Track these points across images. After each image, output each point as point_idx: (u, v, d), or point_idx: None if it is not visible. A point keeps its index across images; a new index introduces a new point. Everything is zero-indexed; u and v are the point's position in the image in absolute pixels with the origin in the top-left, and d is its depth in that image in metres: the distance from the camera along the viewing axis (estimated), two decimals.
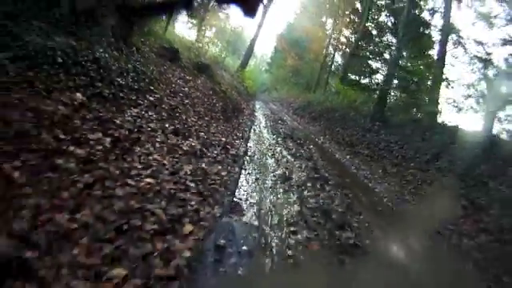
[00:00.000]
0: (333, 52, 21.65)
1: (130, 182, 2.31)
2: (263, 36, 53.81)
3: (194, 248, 1.84)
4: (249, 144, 5.66)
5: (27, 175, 1.90)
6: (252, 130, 7.41)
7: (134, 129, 3.25)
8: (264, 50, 40.35)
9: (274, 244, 2.32)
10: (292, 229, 2.59)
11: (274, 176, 4.11)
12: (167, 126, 3.91)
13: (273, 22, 38.46)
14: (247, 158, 4.64)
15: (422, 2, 16.04)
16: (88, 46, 3.93)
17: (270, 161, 4.92)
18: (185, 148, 3.55)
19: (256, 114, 11.35)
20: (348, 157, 6.85)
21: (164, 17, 10.02)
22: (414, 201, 4.69)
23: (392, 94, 14.54)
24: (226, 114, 6.83)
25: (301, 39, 23.53)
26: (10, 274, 1.32)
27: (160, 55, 7.36)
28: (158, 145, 3.24)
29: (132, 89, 4.26)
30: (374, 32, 18.43)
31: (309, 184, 4.05)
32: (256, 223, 2.55)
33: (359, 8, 19.17)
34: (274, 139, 6.96)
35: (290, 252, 2.23)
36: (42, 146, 2.19)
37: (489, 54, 11.44)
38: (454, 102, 11.77)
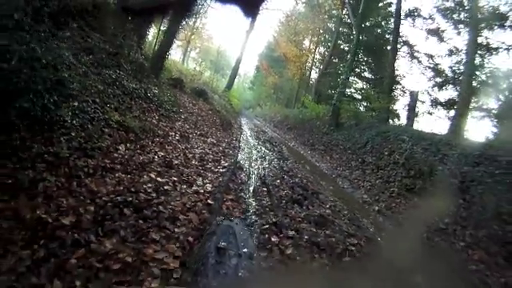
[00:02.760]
0: (309, 70, 26.44)
1: (195, 150, 6.17)
2: (246, 55, 58.79)
3: (226, 164, 5.72)
4: (240, 144, 9.59)
5: (162, 143, 5.73)
6: (241, 138, 11.36)
7: (184, 131, 7.13)
8: (247, 67, 45.53)
9: (255, 172, 6.22)
10: (263, 169, 6.52)
11: (256, 156, 8.05)
12: (196, 131, 7.82)
13: (254, 42, 44.18)
14: (241, 149, 8.56)
15: (383, 23, 21.22)
16: (148, 86, 7.83)
17: (254, 151, 8.88)
18: (209, 142, 7.45)
19: (243, 128, 15.37)
20: (308, 152, 10.96)
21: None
22: (340, 169, 8.74)
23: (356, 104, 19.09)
24: (223, 126, 10.79)
25: (280, 58, 28.23)
26: None
27: (171, 85, 11.32)
28: (197, 139, 7.12)
29: (172, 111, 8.16)
30: (347, 49, 23.30)
31: (275, 160, 8.01)
32: (247, 167, 6.46)
33: (332, 27, 23.93)
34: (256, 142, 10.94)
35: (262, 173, 6.14)
36: (160, 134, 6.03)
37: (437, 64, 16.19)
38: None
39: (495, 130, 12.42)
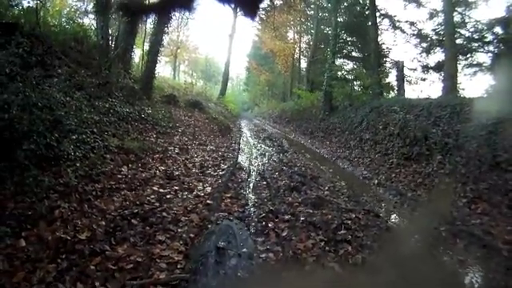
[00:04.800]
0: (298, 60, 26.54)
1: (195, 159, 6.56)
2: (234, 58, 59.29)
3: (225, 166, 6.08)
4: (240, 146, 9.96)
5: (162, 158, 6.13)
6: (241, 140, 11.73)
7: (183, 144, 7.52)
8: (238, 70, 45.93)
9: (255, 169, 6.56)
10: (263, 165, 6.85)
11: (256, 154, 8.39)
12: (195, 142, 8.22)
13: (240, 44, 44.43)
14: (241, 150, 8.92)
15: (361, 0, 21.25)
16: (141, 108, 8.25)
17: (254, 150, 9.24)
18: (208, 149, 7.84)
19: (242, 130, 15.75)
20: (308, 140, 11.26)
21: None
22: (340, 151, 9.01)
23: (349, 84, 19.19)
24: (221, 132, 11.19)
25: (268, 54, 28.36)
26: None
27: (165, 102, 11.73)
28: (196, 149, 7.51)
29: (169, 127, 8.57)
30: (330, 33, 23.30)
31: (275, 155, 8.34)
32: (247, 165, 6.81)
33: (312, 14, 23.98)
34: (256, 141, 11.31)
35: (261, 169, 6.48)
36: (159, 151, 6.42)
37: (420, 30, 16.23)
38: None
39: (492, 82, 12.46)
